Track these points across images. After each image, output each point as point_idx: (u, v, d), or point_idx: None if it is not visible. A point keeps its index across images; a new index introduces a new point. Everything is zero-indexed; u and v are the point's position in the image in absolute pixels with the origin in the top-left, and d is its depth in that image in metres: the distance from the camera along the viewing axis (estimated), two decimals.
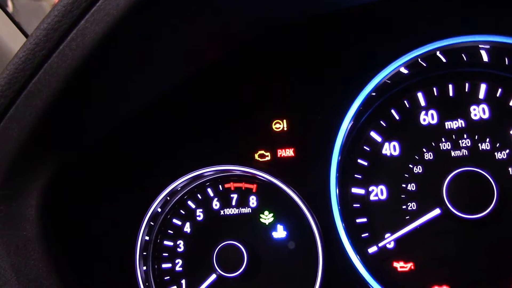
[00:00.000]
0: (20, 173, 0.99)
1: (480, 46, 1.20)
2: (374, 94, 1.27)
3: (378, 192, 1.27)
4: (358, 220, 1.27)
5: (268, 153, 1.35)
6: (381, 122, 1.29)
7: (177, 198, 1.39)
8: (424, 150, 1.25)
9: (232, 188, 1.37)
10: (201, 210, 1.38)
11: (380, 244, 1.23)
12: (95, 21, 0.87)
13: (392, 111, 1.29)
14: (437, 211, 1.18)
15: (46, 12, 2.18)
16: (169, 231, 1.39)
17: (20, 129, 0.93)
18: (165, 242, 1.38)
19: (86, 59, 0.89)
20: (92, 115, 1.10)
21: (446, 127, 1.24)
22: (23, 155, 0.96)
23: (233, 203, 1.36)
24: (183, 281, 1.35)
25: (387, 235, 1.23)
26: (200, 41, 1.15)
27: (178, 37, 1.06)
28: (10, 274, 0.96)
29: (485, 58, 1.23)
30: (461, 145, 1.22)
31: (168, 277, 1.37)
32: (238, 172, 1.33)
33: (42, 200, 1.02)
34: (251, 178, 1.35)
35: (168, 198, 1.36)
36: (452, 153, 1.23)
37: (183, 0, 0.93)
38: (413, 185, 1.24)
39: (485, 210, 1.13)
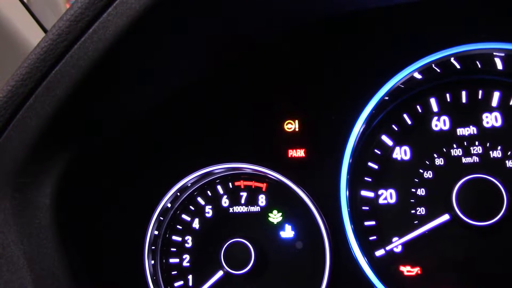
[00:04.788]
0: (37, 162, 1.00)
1: (494, 53, 1.20)
2: (387, 98, 1.27)
3: (388, 196, 1.27)
4: (366, 223, 1.27)
5: (279, 153, 1.35)
6: (393, 126, 1.30)
7: (187, 194, 1.40)
8: (435, 155, 1.25)
9: (242, 186, 1.38)
10: (210, 207, 1.39)
11: (388, 248, 1.24)
12: (118, 14, 0.88)
13: (405, 115, 1.29)
14: (446, 217, 1.18)
15: (60, 4, 2.21)
16: (178, 226, 1.40)
17: (38, 119, 0.94)
18: (174, 237, 1.39)
19: (107, 52, 0.90)
20: (109, 108, 1.11)
21: (458, 134, 1.25)
22: (40, 145, 0.97)
23: (242, 201, 1.37)
24: (190, 277, 1.36)
25: (394, 239, 1.24)
26: (219, 38, 1.16)
27: (198, 33, 1.07)
28: (22, 261, 0.97)
29: (499, 66, 1.23)
30: (472, 152, 1.23)
31: (176, 272, 1.38)
32: (248, 171, 1.34)
33: (56, 189, 1.03)
34: (261, 177, 1.36)
35: (178, 194, 1.37)
36: (463, 160, 1.23)
37: None
38: (422, 190, 1.24)
39: (494, 217, 1.14)
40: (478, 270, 1.18)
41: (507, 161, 1.20)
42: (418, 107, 1.29)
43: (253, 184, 1.37)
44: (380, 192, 1.28)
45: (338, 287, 1.27)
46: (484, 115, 1.24)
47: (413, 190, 1.25)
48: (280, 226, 1.34)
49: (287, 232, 1.33)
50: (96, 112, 1.08)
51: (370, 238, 1.27)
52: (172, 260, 1.38)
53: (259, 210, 1.35)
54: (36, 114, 0.94)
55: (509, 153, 1.20)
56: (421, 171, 1.25)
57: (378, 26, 1.31)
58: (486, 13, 1.24)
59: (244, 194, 1.37)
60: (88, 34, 0.89)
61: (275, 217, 1.34)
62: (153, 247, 1.36)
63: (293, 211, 1.33)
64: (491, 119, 1.23)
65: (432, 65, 1.23)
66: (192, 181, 1.36)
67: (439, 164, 1.24)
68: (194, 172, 1.35)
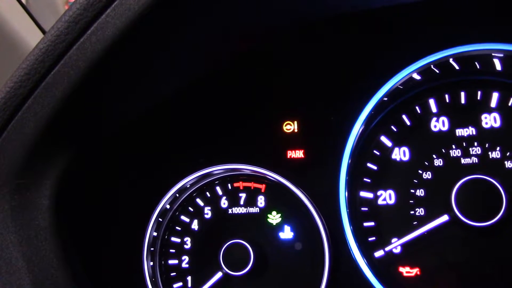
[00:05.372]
0: (36, 163, 1.00)
1: (493, 54, 1.20)
2: (386, 99, 1.27)
3: (387, 197, 1.27)
4: (365, 224, 1.27)
5: (278, 154, 1.35)
6: (392, 127, 1.30)
7: (186, 195, 1.40)
8: (434, 156, 1.25)
9: (241, 187, 1.37)
10: (209, 208, 1.38)
11: (387, 249, 1.24)
12: (116, 15, 0.88)
13: (403, 116, 1.29)
14: (445, 218, 1.18)
15: (59, 5, 2.21)
16: (177, 227, 1.40)
17: (37, 120, 0.94)
18: (173, 239, 1.39)
19: (105, 53, 0.90)
20: (108, 109, 1.11)
21: (457, 134, 1.25)
22: (39, 146, 0.97)
23: (241, 202, 1.37)
24: (189, 278, 1.36)
25: (394, 239, 1.24)
26: (218, 40, 1.16)
27: (197, 34, 1.07)
28: (21, 263, 0.97)
29: (498, 66, 1.23)
30: (471, 153, 1.23)
31: (175, 274, 1.37)
32: (247, 172, 1.34)
33: (55, 190, 1.03)
34: (260, 178, 1.36)
35: (177, 195, 1.37)
36: (462, 161, 1.23)
37: None
38: (421, 191, 1.24)
39: (493, 218, 1.13)
40: (477, 271, 1.18)
41: (506, 162, 1.20)
42: (417, 108, 1.29)
43: (252, 185, 1.37)
44: (379, 193, 1.28)
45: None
46: (483, 116, 1.24)
47: (412, 191, 1.25)
48: (279, 227, 1.33)
49: (286, 233, 1.33)
50: (95, 113, 1.08)
51: (369, 239, 1.27)
52: (171, 262, 1.38)
53: (258, 211, 1.35)
54: (35, 115, 0.94)
55: (508, 153, 1.20)
56: (420, 172, 1.25)
57: (377, 27, 1.31)
58: (485, 14, 1.24)
59: (243, 195, 1.37)
60: (86, 35, 0.89)
61: (274, 218, 1.34)
62: (152, 249, 1.36)
63: (292, 212, 1.33)
64: (490, 120, 1.23)
65: (431, 66, 1.24)
66: (191, 182, 1.36)
67: (438, 165, 1.24)
68: (193, 173, 1.34)
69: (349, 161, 1.26)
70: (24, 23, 1.76)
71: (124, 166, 1.38)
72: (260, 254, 1.30)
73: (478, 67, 1.25)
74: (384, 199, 1.27)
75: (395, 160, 1.28)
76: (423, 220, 1.21)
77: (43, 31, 1.85)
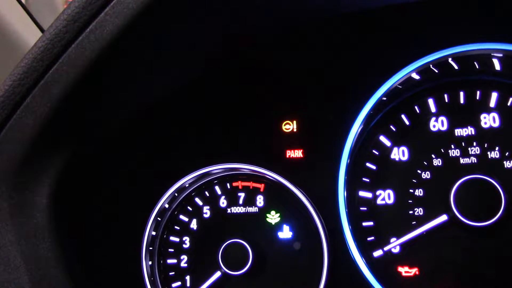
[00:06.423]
0: (34, 161, 0.99)
1: (492, 54, 1.20)
2: (385, 98, 1.27)
3: (386, 197, 1.27)
4: (364, 224, 1.27)
5: (277, 153, 1.35)
6: (391, 126, 1.30)
7: (184, 194, 1.39)
8: (433, 156, 1.25)
9: (240, 187, 1.37)
10: (208, 207, 1.38)
11: (386, 248, 1.24)
12: (115, 13, 0.88)
13: (402, 116, 1.29)
14: (443, 218, 1.18)
15: (58, 4, 2.20)
16: (175, 227, 1.39)
17: (35, 118, 0.94)
18: (171, 238, 1.39)
19: (104, 51, 0.90)
20: (106, 107, 1.11)
21: (456, 134, 1.25)
22: (37, 144, 0.97)
23: (240, 201, 1.36)
24: (188, 277, 1.36)
25: (392, 239, 1.24)
26: (217, 38, 1.16)
27: (196, 32, 1.06)
28: (19, 261, 0.97)
29: (497, 66, 1.23)
30: (470, 153, 1.23)
31: (173, 273, 1.37)
32: (246, 171, 1.34)
33: (54, 189, 1.03)
34: (259, 178, 1.36)
35: (176, 194, 1.37)
36: (461, 160, 1.23)
37: None
38: (420, 191, 1.24)
39: (492, 218, 1.14)
40: (476, 271, 1.18)
41: (505, 162, 1.20)
42: (416, 107, 1.29)
43: (251, 184, 1.37)
44: (378, 192, 1.28)
45: (336, 287, 1.27)
46: (482, 116, 1.24)
47: (411, 190, 1.25)
48: (278, 226, 1.33)
49: (285, 233, 1.33)
50: (94, 112, 1.08)
51: (368, 238, 1.26)
52: (169, 261, 1.38)
53: (257, 210, 1.35)
54: (33, 114, 0.94)
55: (507, 153, 1.20)
56: (419, 171, 1.25)
57: (376, 27, 1.31)
58: (485, 14, 1.24)
59: (242, 195, 1.37)
60: (85, 33, 0.89)
61: (273, 217, 1.34)
62: (150, 248, 1.36)
63: (291, 212, 1.33)
64: (489, 120, 1.23)
65: (430, 66, 1.23)
66: (190, 182, 1.36)
67: (437, 165, 1.24)
68: (192, 172, 1.34)
69: (348, 160, 1.26)
70: (23, 21, 1.76)
71: (122, 165, 1.37)
72: (258, 254, 1.30)
73: (477, 67, 1.25)
74: (383, 199, 1.27)
75: (394, 159, 1.28)
76: (422, 220, 1.21)
77: (42, 30, 1.84)
